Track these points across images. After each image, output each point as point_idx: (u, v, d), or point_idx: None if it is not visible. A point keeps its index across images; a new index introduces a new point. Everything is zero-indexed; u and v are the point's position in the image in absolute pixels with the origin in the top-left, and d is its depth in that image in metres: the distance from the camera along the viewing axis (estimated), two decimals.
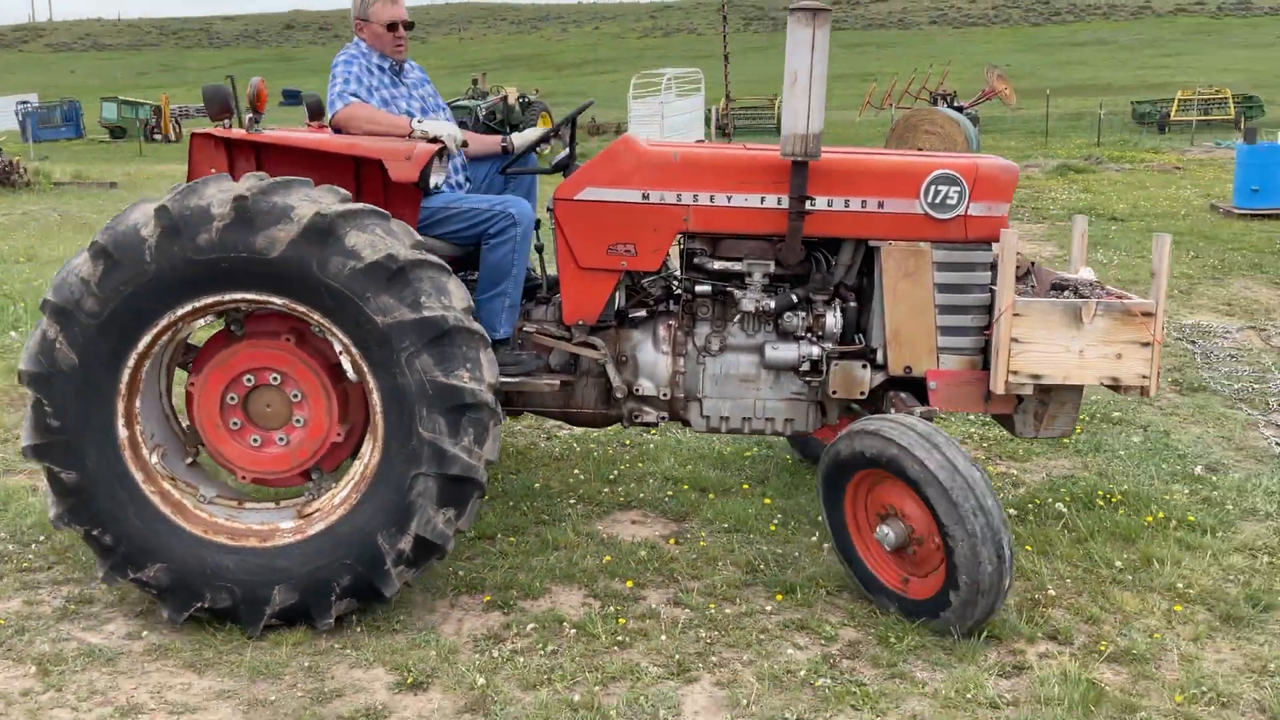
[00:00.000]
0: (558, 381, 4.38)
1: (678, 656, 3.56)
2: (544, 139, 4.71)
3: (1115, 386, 4.04)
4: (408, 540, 3.66)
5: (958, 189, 4.17)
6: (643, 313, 4.49)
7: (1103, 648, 3.61)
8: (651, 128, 25.47)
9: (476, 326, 3.72)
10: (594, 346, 4.41)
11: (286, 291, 3.60)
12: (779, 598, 3.96)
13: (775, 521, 4.64)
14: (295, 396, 3.84)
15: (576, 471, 5.25)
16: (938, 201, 4.19)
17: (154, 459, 3.80)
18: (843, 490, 3.98)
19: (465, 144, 4.46)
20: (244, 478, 3.92)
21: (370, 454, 3.71)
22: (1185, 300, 9.03)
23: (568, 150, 4.67)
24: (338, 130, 4.35)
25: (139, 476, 3.72)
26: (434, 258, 3.69)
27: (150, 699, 3.38)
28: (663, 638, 3.68)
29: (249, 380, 3.83)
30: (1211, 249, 11.56)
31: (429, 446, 3.61)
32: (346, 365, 3.71)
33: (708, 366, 4.43)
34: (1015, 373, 4.01)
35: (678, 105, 26.60)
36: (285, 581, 3.67)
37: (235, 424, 3.85)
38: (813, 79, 3.89)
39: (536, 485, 5.04)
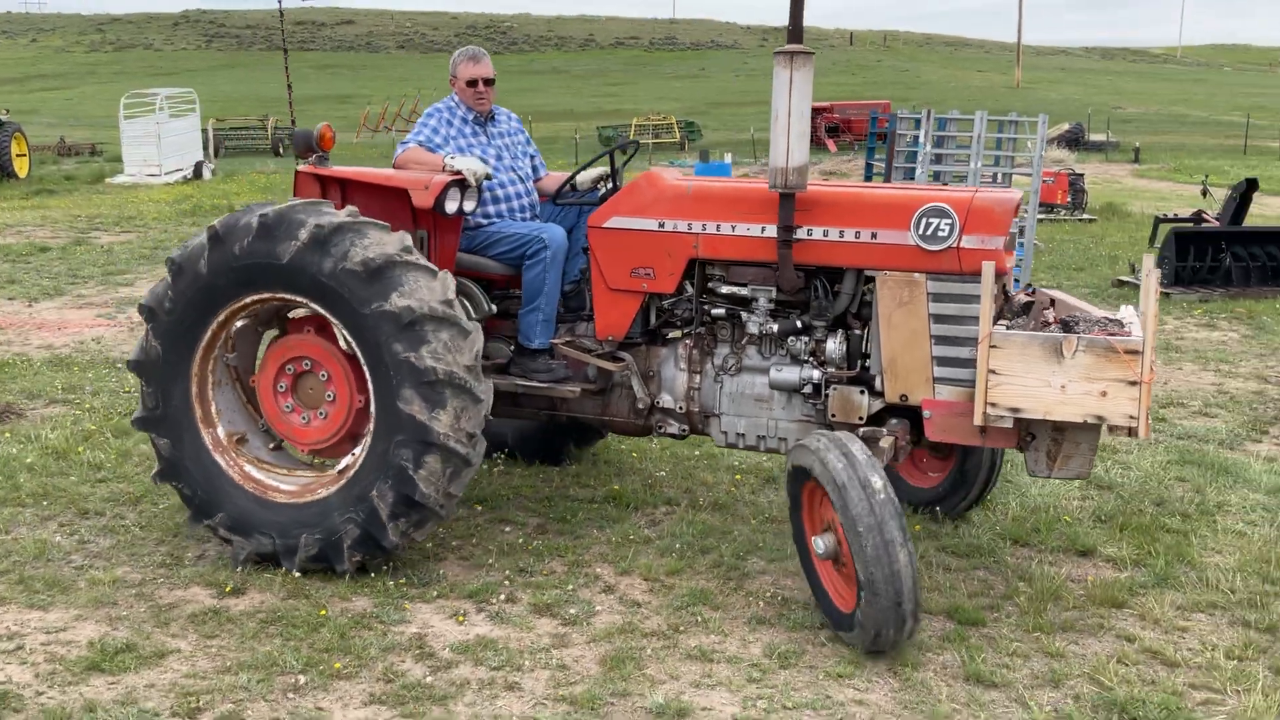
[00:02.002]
0: (579, 389, 4.84)
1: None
2: (602, 178, 5.26)
3: (1101, 425, 3.99)
4: (398, 500, 4.35)
5: (949, 221, 4.24)
6: (669, 332, 4.91)
7: None
8: (148, 148, 24.76)
9: (449, 314, 4.33)
10: (619, 360, 4.83)
11: (298, 289, 4.44)
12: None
13: None
14: (324, 376, 4.62)
15: None
16: (929, 233, 4.27)
17: (220, 430, 4.72)
18: (799, 499, 4.20)
19: (489, 177, 4.95)
20: (304, 450, 4.82)
21: (368, 425, 4.50)
22: None
23: (613, 184, 5.19)
24: (399, 168, 4.97)
25: (209, 443, 4.73)
26: (416, 259, 4.40)
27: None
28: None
29: (290, 369, 4.72)
30: None
31: (407, 418, 4.29)
32: (355, 347, 4.47)
33: (725, 385, 4.77)
34: (994, 405, 3.99)
35: (173, 126, 26.00)
36: (309, 531, 4.51)
37: (288, 407, 4.75)
38: (792, 117, 4.13)
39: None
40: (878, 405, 4.46)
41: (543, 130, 37.76)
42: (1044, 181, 14.37)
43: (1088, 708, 3.71)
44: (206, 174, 24.98)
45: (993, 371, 3.95)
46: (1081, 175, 19.57)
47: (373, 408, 4.45)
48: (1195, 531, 5.22)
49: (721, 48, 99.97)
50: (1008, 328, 4.10)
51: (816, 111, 38.12)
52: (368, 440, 4.51)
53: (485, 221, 5.11)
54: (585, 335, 5.00)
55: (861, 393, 4.47)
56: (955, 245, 4.24)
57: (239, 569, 4.65)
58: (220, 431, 4.81)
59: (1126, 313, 4.25)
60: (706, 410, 4.81)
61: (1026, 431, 4.18)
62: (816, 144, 36.72)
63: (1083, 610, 4.42)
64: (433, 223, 4.86)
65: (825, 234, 4.43)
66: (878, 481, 3.80)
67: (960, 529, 5.25)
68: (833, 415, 4.52)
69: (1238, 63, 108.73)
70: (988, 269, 3.95)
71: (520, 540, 5.06)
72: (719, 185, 4.77)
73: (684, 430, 4.91)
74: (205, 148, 27.70)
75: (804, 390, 4.59)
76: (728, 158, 20.64)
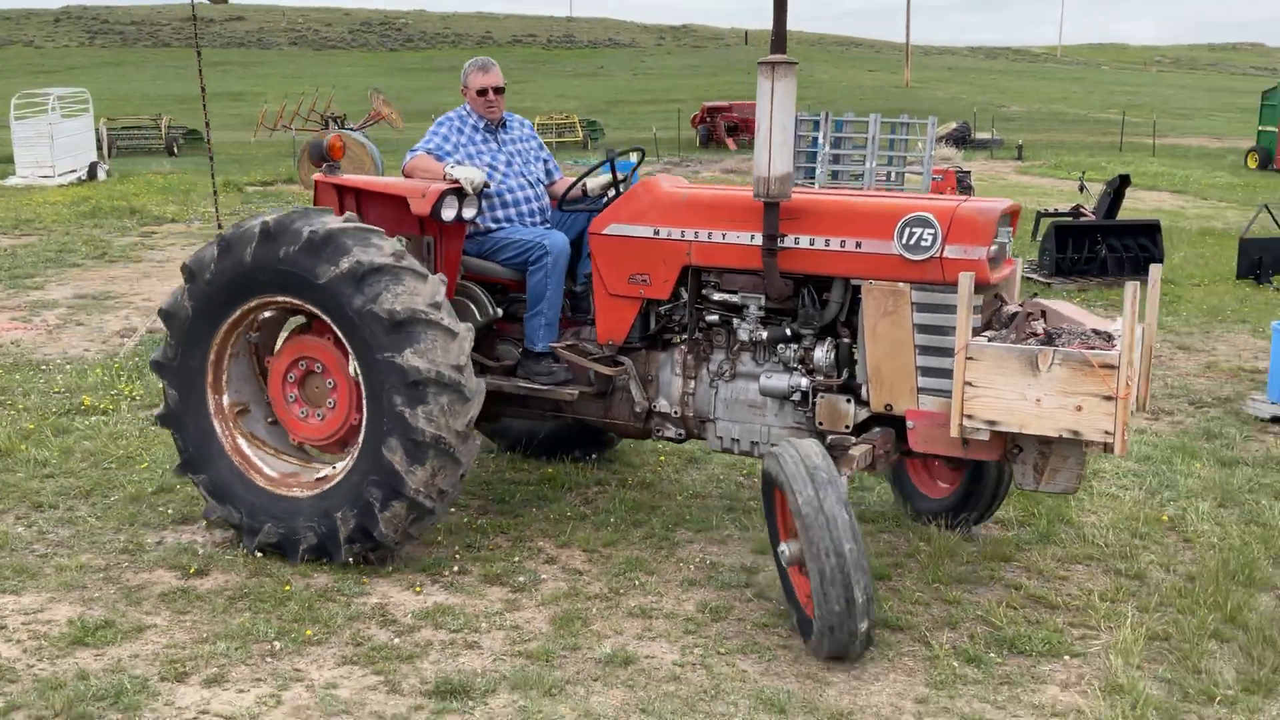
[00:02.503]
0: (577, 392, 4.96)
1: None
2: (611, 185, 5.37)
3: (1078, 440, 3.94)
4: (389, 495, 4.53)
5: (932, 231, 4.20)
6: (669, 337, 4.99)
7: None
8: (41, 149, 24.25)
9: (435, 317, 4.47)
10: (616, 364, 4.92)
11: (296, 292, 4.67)
12: None
13: None
14: (330, 384, 4.86)
15: None
16: (912, 243, 4.23)
17: (225, 398, 4.97)
18: (772, 502, 4.23)
19: (487, 185, 5.11)
20: (294, 439, 5.06)
21: (357, 440, 4.71)
22: None
23: (615, 191, 5.29)
24: (407, 176, 5.16)
25: (211, 408, 5.01)
26: (409, 263, 4.57)
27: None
28: None
29: (303, 365, 4.96)
30: None
31: (394, 414, 4.47)
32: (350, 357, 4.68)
33: (720, 391, 4.82)
34: (970, 417, 3.97)
35: (66, 126, 25.48)
36: (310, 523, 4.73)
37: (292, 398, 5.03)
38: (774, 126, 4.14)
39: None
40: (864, 414, 4.48)
41: None
42: (933, 179, 15.14)
43: (981, 644, 4.23)
44: (101, 175, 24.54)
45: (969, 383, 3.92)
46: (969, 173, 20.49)
47: (366, 405, 4.62)
48: (1073, 495, 5.82)
49: (619, 46, 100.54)
50: (991, 339, 4.09)
51: (716, 111, 38.90)
52: (350, 459, 4.71)
53: (495, 226, 5.31)
54: (590, 339, 5.12)
55: (848, 401, 4.49)
56: (938, 255, 4.20)
57: (205, 530, 5.09)
58: (225, 400, 5.05)
59: (1116, 325, 4.17)
60: (702, 415, 4.88)
61: (1013, 444, 4.16)
62: (716, 142, 37.49)
63: (975, 565, 4.96)
64: (438, 229, 5.06)
65: (812, 243, 4.45)
66: (830, 489, 3.80)
67: (866, 499, 5.77)
68: (820, 423, 4.54)
69: (1114, 62, 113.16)
70: (964, 279, 3.93)
71: (465, 520, 5.42)
72: (711, 193, 4.82)
73: (681, 434, 5.00)
74: (99, 148, 27.18)
75: (793, 398, 4.61)
76: (633, 157, 20.95)
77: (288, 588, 4.61)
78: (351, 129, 28.97)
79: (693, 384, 4.87)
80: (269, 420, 5.23)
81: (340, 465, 4.85)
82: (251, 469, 5.01)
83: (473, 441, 4.71)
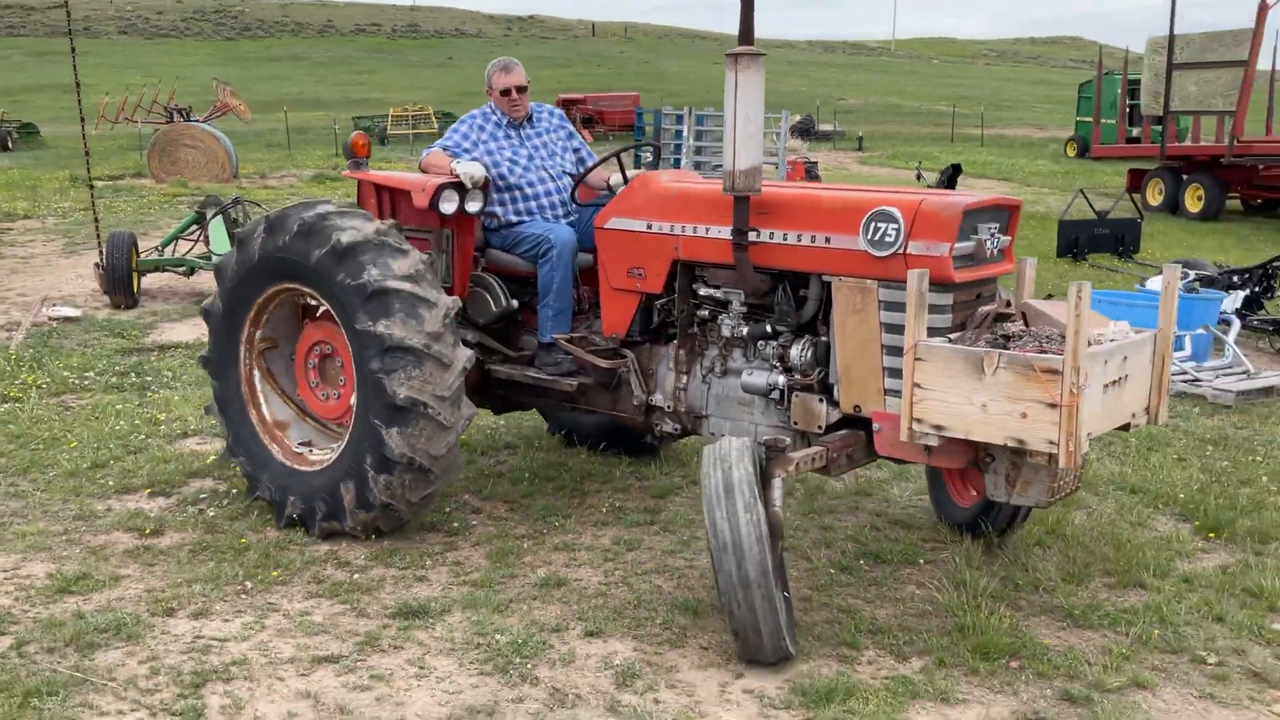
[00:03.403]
0: (576, 384, 5.05)
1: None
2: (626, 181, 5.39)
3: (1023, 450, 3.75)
4: (378, 461, 4.78)
5: (895, 226, 4.05)
6: (670, 332, 4.97)
7: None
8: None
9: (409, 287, 4.69)
10: (618, 357, 4.98)
11: (296, 277, 4.99)
12: None
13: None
14: (339, 363, 5.29)
15: None
16: (876, 238, 4.09)
17: (265, 407, 5.48)
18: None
19: (488, 181, 5.31)
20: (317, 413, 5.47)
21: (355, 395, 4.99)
22: None
23: (624, 183, 5.31)
24: (424, 171, 5.40)
25: (257, 425, 5.42)
26: (391, 239, 4.85)
27: None
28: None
29: (319, 349, 5.31)
30: None
31: (373, 380, 4.74)
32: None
33: (712, 386, 4.80)
34: (919, 421, 3.82)
35: None
36: (323, 495, 5.02)
37: (314, 382, 5.39)
38: (739, 119, 4.07)
39: None
40: (836, 415, 4.38)
41: (294, 120, 37.33)
42: (786, 170, 16.16)
43: (851, 556, 5.06)
44: None
45: (918, 385, 3.78)
46: (816, 163, 21.66)
47: (354, 374, 4.91)
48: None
49: (466, 36, 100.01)
50: (953, 340, 3.92)
51: (571, 103, 39.52)
52: (348, 430, 5.01)
53: (515, 220, 5.47)
54: (599, 332, 5.20)
55: (821, 401, 4.39)
56: (902, 251, 4.05)
57: (148, 498, 5.60)
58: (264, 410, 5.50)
59: (1113, 329, 3.98)
60: (695, 411, 4.90)
61: (986, 452, 3.98)
62: None
63: (842, 498, 5.81)
64: (455, 223, 5.31)
65: (785, 238, 4.38)
66: (739, 494, 3.73)
67: None
68: (794, 422, 4.48)
69: (944, 55, 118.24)
70: (914, 276, 3.79)
71: None
72: (697, 187, 4.79)
73: (677, 429, 5.03)
74: None
75: (772, 395, 4.57)
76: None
77: (244, 540, 5.11)
78: (198, 120, 28.45)
79: (685, 379, 4.91)
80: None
81: (336, 446, 5.18)
82: (270, 432, 5.43)
83: (461, 408, 4.85)
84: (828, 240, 4.28)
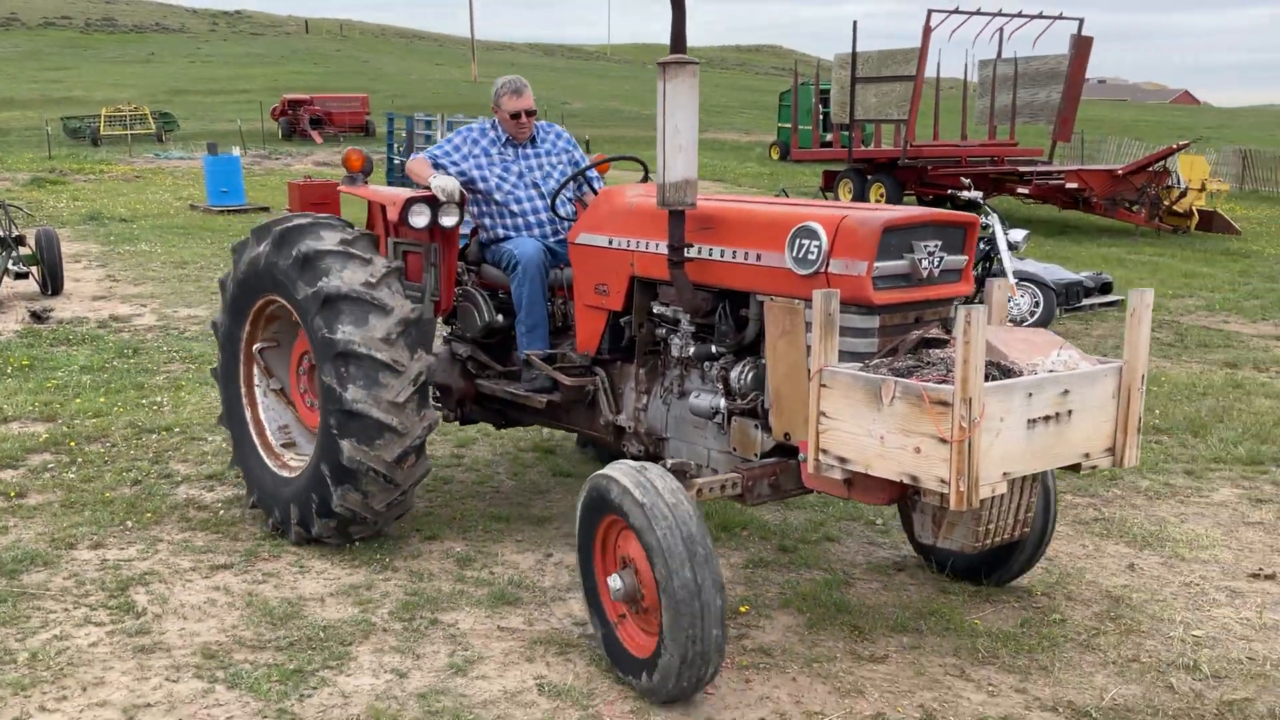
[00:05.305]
0: (545, 401, 4.95)
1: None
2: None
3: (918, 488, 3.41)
4: (335, 469, 4.79)
5: (817, 243, 3.79)
6: (633, 351, 4.77)
7: None
8: None
9: (367, 295, 4.70)
10: (588, 375, 4.89)
11: (276, 288, 5.08)
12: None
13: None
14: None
15: None
16: (800, 255, 3.85)
17: (262, 416, 5.65)
18: (593, 534, 3.94)
19: (464, 197, 5.25)
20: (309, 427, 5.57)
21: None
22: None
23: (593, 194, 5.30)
24: (407, 174, 5.45)
25: (256, 439, 5.59)
26: (356, 249, 4.87)
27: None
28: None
29: (307, 359, 5.36)
30: (207, 238, 15.83)
31: (326, 387, 4.75)
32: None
33: (671, 408, 4.59)
34: (824, 452, 3.56)
35: None
36: (298, 503, 5.11)
37: (302, 389, 5.53)
38: (669, 130, 3.85)
39: None
40: (772, 442, 4.10)
41: None
42: None
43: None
44: None
45: (823, 414, 3.53)
46: None
47: (319, 381, 4.91)
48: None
49: (169, 31, 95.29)
50: (868, 367, 3.62)
51: (298, 104, 39.24)
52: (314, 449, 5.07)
53: (501, 235, 5.44)
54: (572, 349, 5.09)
55: (756, 427, 4.15)
56: (824, 269, 3.80)
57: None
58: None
59: (1056, 358, 3.57)
60: (655, 433, 4.72)
61: (914, 490, 3.51)
62: (301, 136, 37.93)
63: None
64: (441, 236, 5.27)
65: (722, 254, 4.17)
66: (683, 511, 3.58)
67: None
68: (733, 449, 4.27)
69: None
70: (819, 297, 3.54)
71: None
72: (651, 202, 4.48)
73: (642, 450, 4.78)
74: None
75: (715, 419, 4.35)
76: (236, 150, 21.73)
77: (108, 495, 5.93)
78: None
79: (645, 399, 4.73)
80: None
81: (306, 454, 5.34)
82: (262, 437, 5.63)
83: (421, 413, 4.84)
84: (759, 257, 4.05)
